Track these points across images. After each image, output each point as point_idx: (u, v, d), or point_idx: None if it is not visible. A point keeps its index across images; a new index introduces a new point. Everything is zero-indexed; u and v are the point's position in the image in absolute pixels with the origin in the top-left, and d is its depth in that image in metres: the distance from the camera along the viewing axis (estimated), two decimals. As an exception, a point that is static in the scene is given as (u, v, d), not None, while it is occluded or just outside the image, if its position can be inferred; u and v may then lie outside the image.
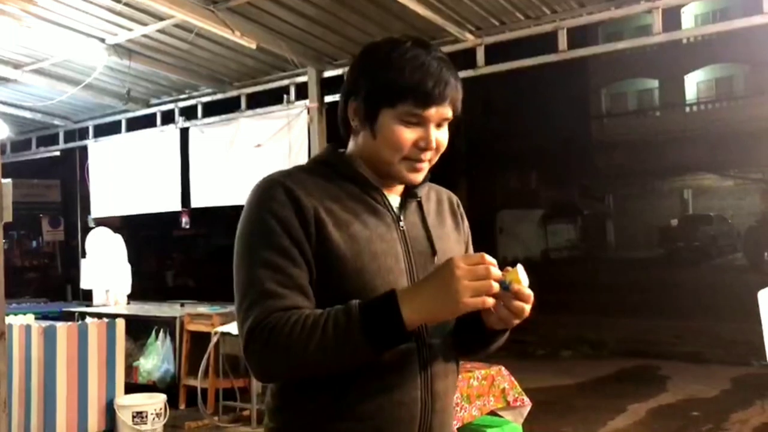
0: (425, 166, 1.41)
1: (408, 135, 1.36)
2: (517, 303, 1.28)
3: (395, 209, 1.43)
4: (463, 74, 5.69)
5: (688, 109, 28.74)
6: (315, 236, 1.32)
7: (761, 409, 6.26)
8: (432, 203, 1.53)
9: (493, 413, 4.23)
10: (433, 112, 1.35)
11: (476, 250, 1.53)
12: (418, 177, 1.42)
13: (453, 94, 1.38)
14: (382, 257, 1.35)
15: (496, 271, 1.23)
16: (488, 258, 1.24)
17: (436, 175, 1.61)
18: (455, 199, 1.61)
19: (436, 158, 1.44)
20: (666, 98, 29.10)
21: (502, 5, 4.98)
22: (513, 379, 4.29)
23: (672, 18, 5.09)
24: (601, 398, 6.90)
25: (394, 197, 1.45)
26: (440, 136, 1.40)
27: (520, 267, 1.29)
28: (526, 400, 4.28)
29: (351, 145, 1.46)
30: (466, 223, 1.60)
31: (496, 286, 1.22)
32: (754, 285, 3.38)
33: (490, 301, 1.22)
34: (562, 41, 5.06)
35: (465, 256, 1.26)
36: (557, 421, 5.97)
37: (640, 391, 7.03)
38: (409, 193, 1.46)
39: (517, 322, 1.32)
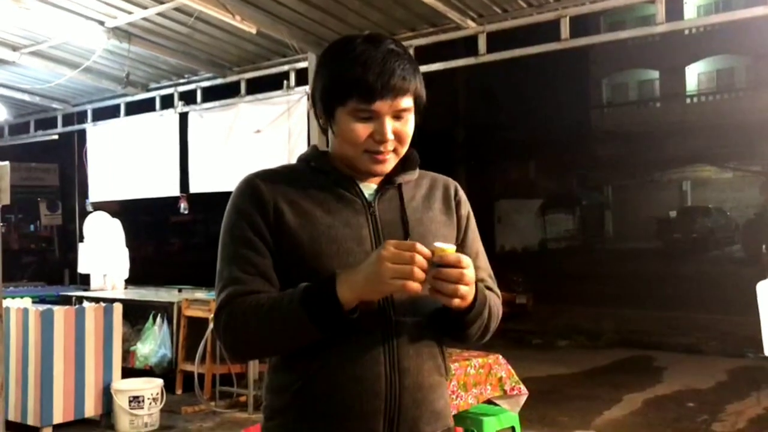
0: (389, 157, 1.44)
1: (361, 130, 1.40)
2: (449, 271, 1.30)
3: (368, 196, 1.47)
4: (464, 62, 5.74)
5: (688, 100, 28.68)
6: (274, 225, 1.41)
7: (757, 401, 6.28)
8: (422, 189, 1.56)
9: (489, 402, 4.24)
10: (380, 105, 1.38)
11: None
12: (384, 167, 1.45)
13: (401, 84, 1.39)
14: (342, 241, 1.40)
15: (422, 260, 1.27)
16: (419, 247, 1.27)
17: (434, 164, 1.61)
18: (453, 185, 1.62)
19: (403, 148, 1.46)
20: (667, 89, 29.01)
21: (505, -8, 4.95)
22: (510, 367, 4.30)
23: (675, 8, 5.07)
24: (597, 388, 6.91)
25: (370, 185, 1.49)
26: (399, 127, 1.42)
27: (438, 243, 1.33)
28: (523, 388, 4.28)
29: (331, 142, 1.53)
30: (466, 208, 1.61)
31: (419, 273, 1.26)
32: (752, 277, 3.38)
33: (414, 286, 1.26)
34: (565, 30, 5.03)
35: (398, 241, 1.30)
36: (553, 411, 5.99)
37: (636, 382, 7.05)
38: (388, 180, 1.50)
39: (465, 291, 1.32)
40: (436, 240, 1.41)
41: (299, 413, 1.41)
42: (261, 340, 1.38)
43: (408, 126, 1.45)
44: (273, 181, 1.46)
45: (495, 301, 1.52)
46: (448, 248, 1.31)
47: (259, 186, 1.44)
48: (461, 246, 1.54)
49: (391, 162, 1.46)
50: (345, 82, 1.38)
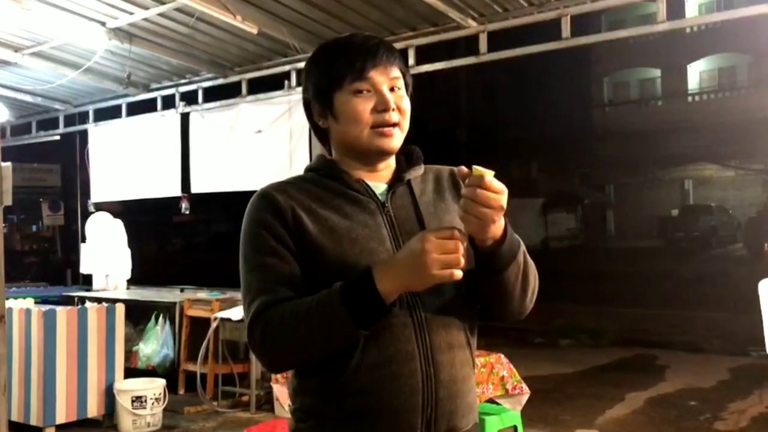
0: (395, 131, 1.46)
1: (363, 104, 1.43)
2: (486, 194, 1.28)
3: (380, 196, 1.48)
4: (465, 61, 5.74)
5: (690, 98, 28.65)
6: (294, 232, 1.41)
7: (759, 399, 6.28)
8: (430, 183, 1.56)
9: (491, 401, 4.24)
10: (375, 76, 1.43)
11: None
12: (392, 143, 1.46)
13: (387, 56, 1.44)
14: (364, 241, 1.41)
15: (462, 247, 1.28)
16: (459, 234, 1.28)
17: (436, 162, 1.61)
18: (456, 170, 1.61)
19: (406, 122, 1.48)
20: (668, 88, 29.00)
21: (506, -8, 4.95)
22: (512, 367, 4.30)
23: (676, 6, 5.06)
24: (599, 387, 6.91)
25: (380, 185, 1.50)
26: (398, 99, 1.46)
27: (475, 166, 1.32)
28: (525, 388, 4.29)
29: (333, 148, 1.54)
30: None
31: (463, 260, 1.27)
32: (754, 276, 3.38)
33: (459, 274, 1.26)
34: (566, 29, 5.02)
35: (436, 229, 1.31)
36: (555, 410, 5.99)
37: (638, 381, 7.04)
38: (397, 177, 1.51)
39: (491, 214, 1.30)
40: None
41: (335, 413, 1.40)
42: (301, 348, 1.36)
43: (404, 100, 1.48)
44: (286, 191, 1.46)
45: (530, 259, 1.50)
46: (486, 171, 1.29)
47: (275, 196, 1.44)
48: None
49: (397, 137, 1.47)
50: (336, 69, 1.44)
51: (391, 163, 1.53)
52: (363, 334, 1.32)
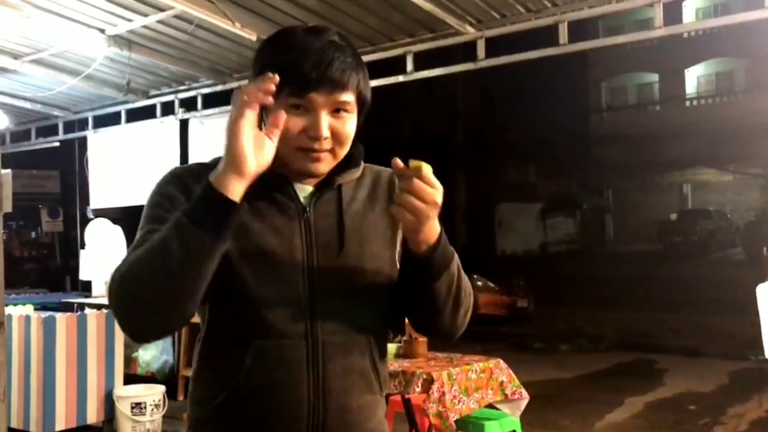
0: (325, 156, 1.31)
1: (293, 123, 1.27)
2: (421, 185, 1.21)
3: (302, 200, 1.36)
4: (463, 67, 5.76)
5: (688, 103, 28.73)
6: None
7: (758, 404, 6.29)
8: (364, 188, 1.43)
9: (491, 406, 4.24)
10: (315, 97, 1.27)
11: (475, 243, 1.47)
12: (319, 167, 1.32)
13: (339, 77, 1.27)
14: (271, 251, 1.30)
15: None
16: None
17: (434, 167, 1.55)
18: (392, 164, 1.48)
19: (342, 150, 1.33)
20: (666, 92, 29.07)
21: (503, -2, 4.97)
22: (511, 372, 4.30)
23: (673, 12, 5.08)
24: (598, 392, 6.92)
25: (306, 188, 1.37)
26: (337, 125, 1.30)
27: (412, 160, 1.24)
28: (524, 393, 4.29)
29: None
30: None
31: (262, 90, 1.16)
32: (752, 280, 3.39)
33: (262, 90, 1.16)
34: (563, 34, 5.04)
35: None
36: (555, 415, 5.99)
37: (637, 385, 7.05)
38: (327, 181, 1.37)
39: (427, 210, 1.22)
40: (375, 245, 1.36)
41: (219, 429, 1.33)
42: (151, 282, 1.17)
43: (348, 125, 1.32)
44: (200, 174, 1.26)
45: (464, 275, 1.39)
46: (425, 165, 1.23)
47: (187, 179, 1.34)
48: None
49: (328, 162, 1.33)
50: (280, 72, 1.22)
51: None
52: (215, 243, 1.16)
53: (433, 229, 1.26)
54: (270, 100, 1.17)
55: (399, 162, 1.24)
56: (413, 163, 1.23)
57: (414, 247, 1.28)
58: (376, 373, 1.38)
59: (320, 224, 1.35)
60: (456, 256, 1.34)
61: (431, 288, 1.32)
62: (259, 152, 1.19)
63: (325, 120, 1.29)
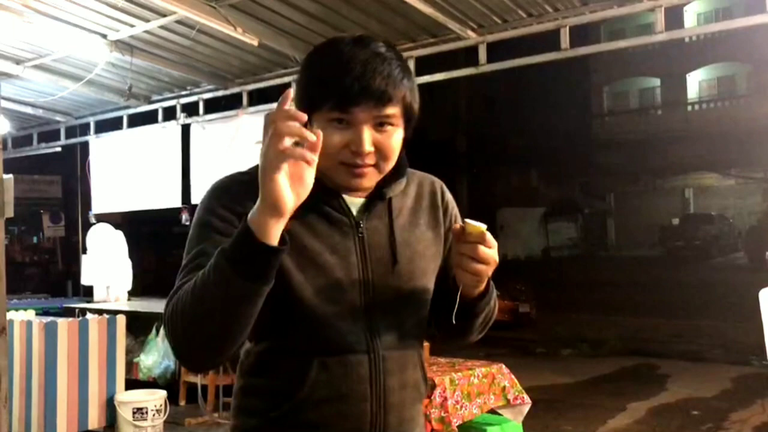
0: (369, 171, 1.28)
1: (336, 138, 1.25)
2: (486, 252, 1.26)
3: (355, 214, 1.34)
4: (464, 72, 5.76)
5: (689, 107, 28.74)
6: None
7: (761, 409, 6.26)
8: (409, 198, 1.43)
9: (493, 411, 4.24)
10: (358, 112, 1.24)
11: None
12: (363, 182, 1.30)
13: (383, 89, 1.24)
14: (330, 272, 1.29)
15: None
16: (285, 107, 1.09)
17: (436, 172, 1.57)
18: (438, 188, 1.49)
19: (387, 164, 1.31)
20: (668, 97, 29.09)
21: (505, 3, 4.97)
22: (513, 377, 4.30)
23: (674, 16, 5.08)
24: (600, 397, 6.90)
25: (356, 200, 1.35)
26: (382, 139, 1.27)
27: (468, 220, 1.27)
28: (526, 398, 4.28)
29: None
30: (452, 208, 1.50)
31: (291, 128, 1.07)
32: (755, 284, 3.38)
33: (309, 156, 1.08)
34: (564, 39, 5.04)
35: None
36: (557, 420, 5.97)
37: (640, 390, 7.03)
38: (377, 193, 1.36)
39: (488, 270, 1.28)
40: (423, 260, 1.38)
41: None
42: (200, 323, 1.16)
43: (393, 139, 1.28)
44: (252, 190, 1.19)
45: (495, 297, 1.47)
46: (481, 226, 1.26)
47: (233, 193, 1.29)
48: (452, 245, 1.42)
49: (371, 177, 1.30)
50: (322, 85, 1.25)
51: None
52: (258, 287, 1.13)
53: (484, 279, 1.32)
54: (302, 131, 1.08)
55: (458, 227, 1.27)
56: (472, 228, 1.25)
57: (466, 294, 1.33)
58: (425, 383, 1.44)
59: (373, 240, 1.35)
60: (494, 288, 1.40)
61: (470, 322, 1.39)
62: (297, 185, 1.11)
63: (368, 135, 1.25)
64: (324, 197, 1.30)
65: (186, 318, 1.17)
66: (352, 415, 1.31)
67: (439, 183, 1.50)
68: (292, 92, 1.14)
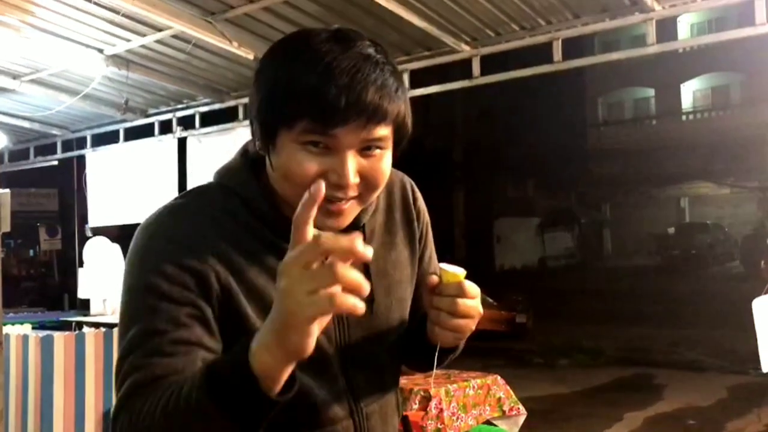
0: (349, 206, 1.01)
1: (311, 167, 0.96)
2: (466, 304, 1.04)
3: None
4: (459, 84, 5.80)
5: (684, 117, 28.89)
6: (218, 307, 1.00)
7: (757, 418, 6.28)
8: (381, 214, 1.18)
9: (488, 422, 4.24)
10: (342, 133, 0.94)
11: (474, 258, 1.39)
12: (341, 222, 1.02)
13: (376, 105, 0.95)
14: None
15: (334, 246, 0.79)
16: (325, 239, 0.78)
17: (432, 184, 1.52)
18: (409, 187, 1.24)
19: (373, 194, 1.03)
20: (662, 107, 29.23)
21: (498, 16, 5.01)
22: (509, 388, 4.31)
23: (667, 28, 5.13)
24: (597, 407, 6.91)
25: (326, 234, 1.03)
26: (369, 167, 0.99)
27: (444, 266, 1.08)
28: (522, 409, 4.29)
29: (268, 175, 1.07)
30: (423, 213, 1.26)
31: (348, 277, 0.77)
32: (751, 293, 3.41)
33: (348, 302, 0.78)
34: (557, 52, 5.08)
35: (294, 248, 0.81)
36: (553, 430, 5.98)
37: (636, 400, 7.04)
38: (352, 224, 1.06)
39: (470, 324, 1.07)
40: (400, 288, 1.18)
41: None
42: None
43: (382, 164, 1.01)
44: (205, 237, 1.01)
45: None
46: (458, 272, 1.06)
47: (186, 238, 1.01)
48: (420, 258, 1.25)
49: (351, 213, 1.02)
50: (294, 94, 0.94)
51: None
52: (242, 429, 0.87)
53: (466, 334, 1.11)
54: (363, 287, 0.79)
55: (435, 279, 1.05)
56: (450, 276, 1.05)
57: (442, 344, 1.13)
58: (398, 404, 1.28)
59: None
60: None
61: (433, 365, 1.18)
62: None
63: (353, 163, 0.97)
64: (286, 234, 0.86)
65: None
66: None
67: (408, 182, 1.25)
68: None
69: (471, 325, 1.07)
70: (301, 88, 0.94)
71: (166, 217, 1.07)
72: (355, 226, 1.09)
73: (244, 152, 1.16)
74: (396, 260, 1.19)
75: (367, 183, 1.00)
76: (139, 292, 1.01)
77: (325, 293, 0.77)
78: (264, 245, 1.03)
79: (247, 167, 1.13)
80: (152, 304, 0.98)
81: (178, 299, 0.98)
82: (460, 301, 1.04)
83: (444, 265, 1.08)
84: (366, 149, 0.98)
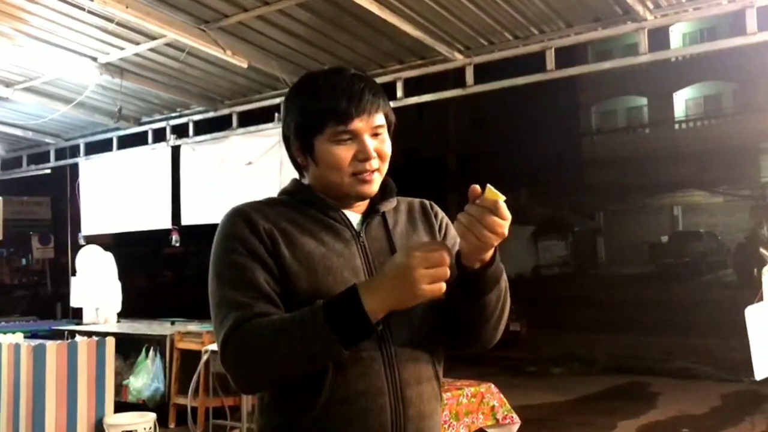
0: (375, 177, 1.47)
1: (344, 152, 1.43)
2: (495, 220, 1.28)
3: (355, 226, 1.49)
4: (452, 93, 5.81)
5: (677, 126, 28.97)
6: (272, 253, 1.40)
7: (751, 426, 6.28)
8: (402, 214, 1.58)
9: (482, 431, 4.23)
10: (358, 124, 1.43)
11: None
12: (372, 188, 1.48)
13: (372, 102, 1.44)
14: (338, 271, 1.41)
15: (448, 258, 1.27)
16: (444, 244, 1.29)
17: (427, 191, 1.64)
18: (427, 202, 1.65)
19: (385, 167, 1.50)
20: (655, 115, 29.33)
21: (491, 25, 5.04)
22: (502, 396, 4.30)
23: (659, 37, 5.16)
24: (591, 415, 6.90)
25: (355, 215, 1.51)
26: (379, 145, 1.47)
27: (489, 186, 1.30)
28: (515, 417, 4.28)
29: (309, 179, 1.54)
30: (445, 220, 1.62)
31: (448, 273, 1.26)
32: (744, 301, 3.41)
33: (444, 287, 1.26)
34: (550, 61, 5.11)
35: (421, 243, 1.38)
36: (548, 439, 5.97)
37: (630, 408, 7.04)
38: (372, 209, 1.52)
39: (492, 239, 1.30)
40: None
41: None
42: (279, 366, 1.32)
43: (386, 144, 1.49)
44: (261, 210, 1.46)
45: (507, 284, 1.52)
46: (500, 196, 1.27)
47: (251, 213, 1.44)
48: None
49: (376, 182, 1.48)
50: (319, 111, 1.43)
51: None
52: (344, 355, 1.29)
53: (491, 250, 1.35)
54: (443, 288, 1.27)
55: (477, 189, 1.30)
56: (490, 193, 1.27)
57: (468, 263, 1.36)
58: (438, 381, 1.50)
59: (374, 246, 1.48)
60: (503, 269, 1.44)
61: (482, 301, 1.42)
62: None
63: (370, 142, 1.44)
64: (326, 212, 1.48)
65: (263, 357, 1.31)
66: (373, 412, 1.36)
67: (427, 201, 1.65)
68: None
69: (493, 240, 1.30)
70: (322, 107, 1.43)
71: (242, 205, 1.49)
72: (375, 212, 1.52)
73: (295, 179, 1.59)
74: (419, 238, 1.54)
75: (381, 156, 1.47)
76: (222, 252, 1.42)
77: (438, 287, 1.26)
78: (309, 220, 1.46)
79: (296, 180, 1.59)
80: (231, 261, 1.39)
81: (243, 253, 1.39)
82: (489, 215, 1.28)
83: (490, 186, 1.29)
84: (374, 135, 1.46)
